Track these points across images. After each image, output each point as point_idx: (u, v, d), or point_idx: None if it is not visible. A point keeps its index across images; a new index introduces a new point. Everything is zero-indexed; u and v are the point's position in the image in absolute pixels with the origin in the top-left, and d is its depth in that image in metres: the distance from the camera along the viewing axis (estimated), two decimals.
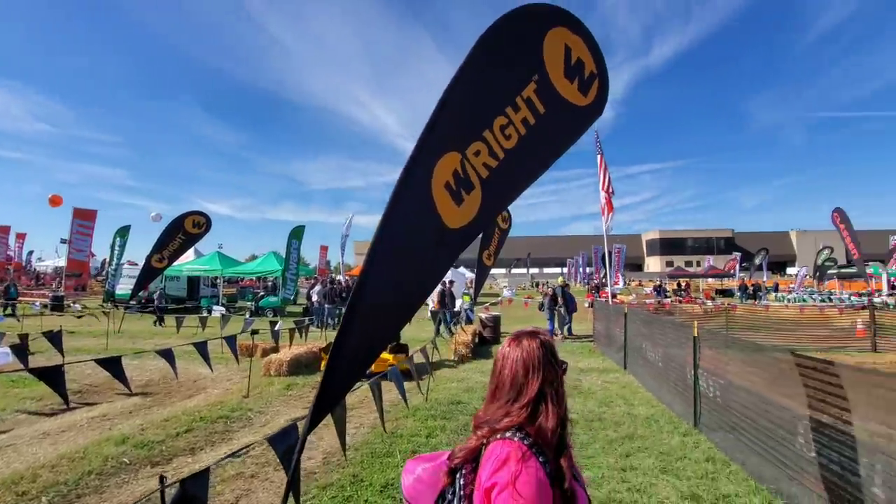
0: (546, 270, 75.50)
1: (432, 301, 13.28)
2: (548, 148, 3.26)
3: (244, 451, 4.28)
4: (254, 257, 29.82)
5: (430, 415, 5.64)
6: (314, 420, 2.05)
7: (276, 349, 8.99)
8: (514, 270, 63.80)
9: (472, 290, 13.85)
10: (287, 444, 2.22)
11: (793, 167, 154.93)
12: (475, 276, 13.44)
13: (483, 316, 12.03)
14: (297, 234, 18.27)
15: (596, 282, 32.53)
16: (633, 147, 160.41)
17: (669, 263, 71.57)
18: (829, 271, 28.62)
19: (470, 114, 2.73)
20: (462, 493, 1.21)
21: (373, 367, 3.01)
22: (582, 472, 3.90)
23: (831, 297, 23.79)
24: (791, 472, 3.54)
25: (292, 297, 18.92)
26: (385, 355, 7.35)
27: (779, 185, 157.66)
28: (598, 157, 12.27)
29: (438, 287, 13.93)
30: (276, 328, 8.62)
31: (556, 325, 12.81)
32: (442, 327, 12.54)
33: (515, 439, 1.14)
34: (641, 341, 7.58)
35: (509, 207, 12.32)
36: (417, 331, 13.09)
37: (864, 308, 13.40)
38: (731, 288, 31.20)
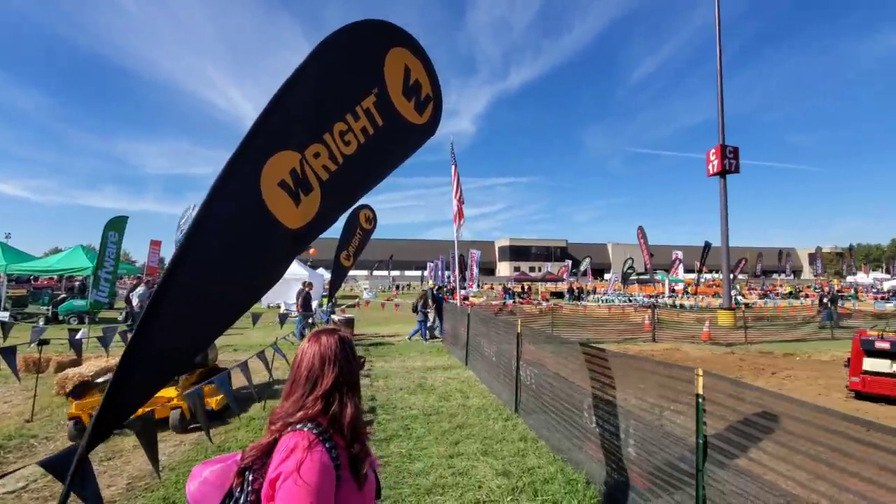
0: (408, 273, 77.13)
1: (296, 305, 12.60)
2: (384, 159, 3.44)
3: (11, 476, 3.53)
4: (56, 251, 24.33)
5: (265, 425, 5.38)
6: (94, 438, 1.83)
7: (76, 362, 7.53)
8: (376, 272, 63.73)
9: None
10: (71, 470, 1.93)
11: (613, 190, 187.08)
12: (331, 278, 13.15)
13: (335, 318, 11.83)
14: (116, 225, 15.46)
15: (452, 285, 34.38)
16: (492, 160, 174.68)
17: (517, 268, 79.39)
18: (631, 277, 35.15)
19: (310, 115, 2.75)
20: (251, 488, 1.23)
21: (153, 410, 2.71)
22: (415, 463, 4.09)
23: (631, 298, 29.21)
24: (579, 442, 4.31)
25: (107, 301, 15.96)
26: (168, 391, 5.60)
27: (602, 204, 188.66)
28: (453, 167, 13.12)
29: (298, 289, 13.26)
30: (78, 336, 7.23)
31: (428, 325, 13.27)
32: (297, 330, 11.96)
33: (305, 430, 1.20)
34: (480, 339, 8.34)
35: (374, 209, 12.44)
36: (265, 335, 12.26)
37: (649, 307, 16.76)
38: (563, 291, 36.02)
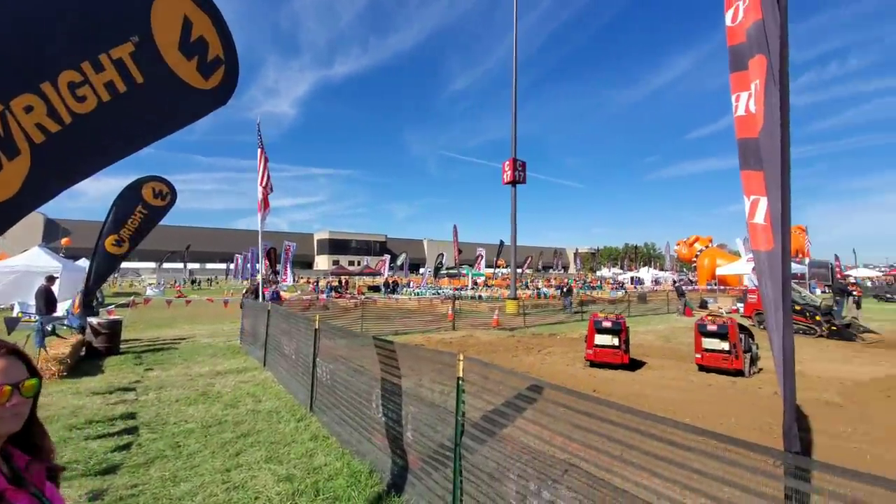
0: (209, 266, 68.00)
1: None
2: (143, 126, 2.87)
3: None
4: None
5: None
6: None
7: None
8: (166, 265, 54.23)
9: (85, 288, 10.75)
10: None
11: (430, 190, 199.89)
12: (91, 269, 10.59)
13: (94, 321, 9.59)
14: None
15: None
16: (313, 149, 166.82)
17: (336, 262, 77.90)
18: (441, 271, 38.22)
19: (21, 52, 2.10)
20: None
21: None
22: (180, 485, 3.47)
23: (439, 291, 31.74)
24: (367, 433, 4.41)
25: None
26: None
27: (421, 202, 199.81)
28: (259, 150, 11.98)
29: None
30: None
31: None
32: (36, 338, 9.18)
33: None
34: (281, 338, 7.84)
35: (172, 183, 10.41)
36: None
37: (451, 299, 18.43)
38: (379, 285, 36.84)
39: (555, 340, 12.62)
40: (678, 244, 47.23)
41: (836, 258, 39.44)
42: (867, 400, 6.65)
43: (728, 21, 2.42)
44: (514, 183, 21.28)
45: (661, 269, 63.10)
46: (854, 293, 16.75)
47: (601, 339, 8.74)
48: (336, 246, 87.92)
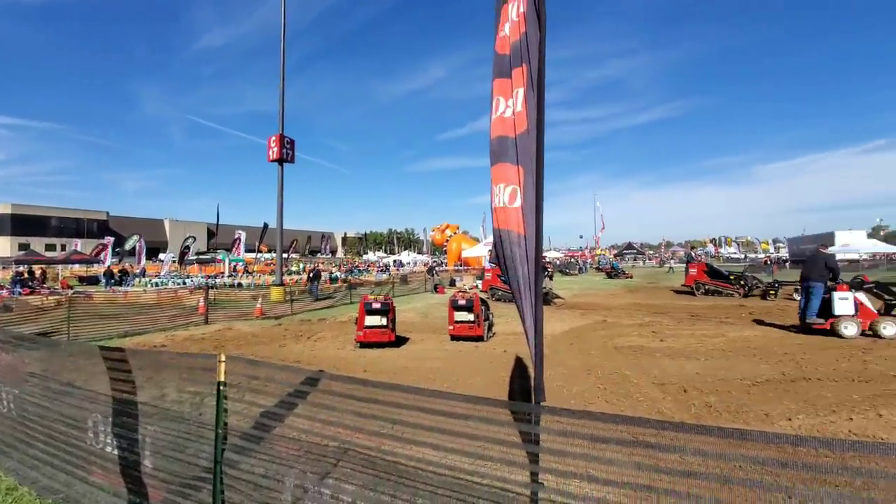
0: None
1: None
2: None
3: None
4: None
5: None
6: None
7: None
8: None
9: None
10: None
11: (174, 161, 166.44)
12: None
13: None
14: None
15: None
16: None
17: (25, 246, 57.46)
18: (188, 257, 32.78)
19: None
20: None
21: None
22: None
23: (186, 280, 27.19)
24: (81, 471, 3.37)
25: None
26: None
27: (160, 175, 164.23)
28: None
29: None
30: None
31: None
32: None
33: None
34: None
35: None
36: None
37: (202, 288, 16.05)
38: (99, 275, 28.97)
39: (324, 325, 12.48)
40: (433, 230, 53.47)
41: None
42: (560, 348, 8.96)
43: (498, 31, 2.76)
44: (281, 161, 19.85)
45: (420, 253, 70.37)
46: (548, 269, 22.34)
47: (371, 320, 9.08)
48: (25, 224, 64.72)
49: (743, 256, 65.32)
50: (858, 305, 9.28)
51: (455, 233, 49.03)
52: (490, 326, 10.35)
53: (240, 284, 26.75)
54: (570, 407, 4.80)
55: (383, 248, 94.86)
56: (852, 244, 39.51)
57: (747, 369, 6.93)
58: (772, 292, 17.31)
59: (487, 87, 2.93)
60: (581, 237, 74.02)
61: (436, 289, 22.98)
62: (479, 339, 9.62)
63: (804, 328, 9.82)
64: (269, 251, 49.34)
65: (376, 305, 9.17)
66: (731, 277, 19.30)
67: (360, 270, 39.46)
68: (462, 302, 9.65)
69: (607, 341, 9.61)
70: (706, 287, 19.25)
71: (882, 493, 1.33)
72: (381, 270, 42.20)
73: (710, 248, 79.03)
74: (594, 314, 14.04)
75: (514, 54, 2.62)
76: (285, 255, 45.51)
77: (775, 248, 73.08)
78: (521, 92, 2.58)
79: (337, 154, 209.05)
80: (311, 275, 21.76)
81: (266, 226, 38.18)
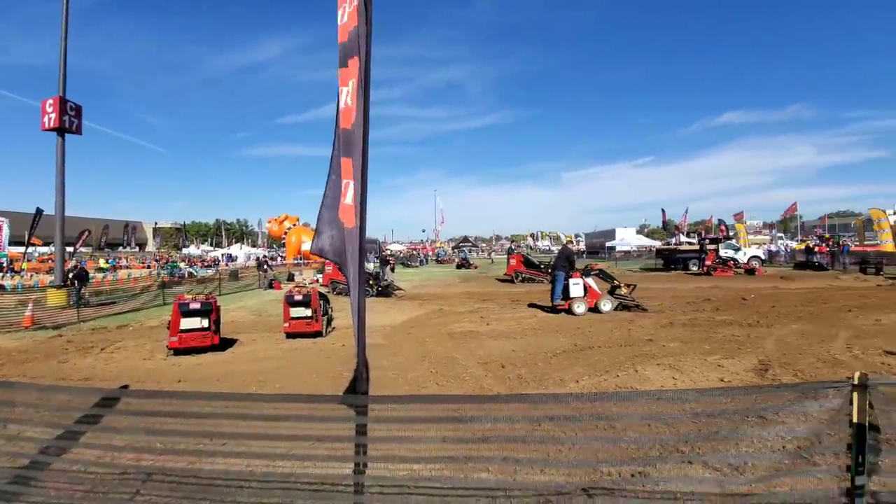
0: None
1: None
2: None
3: None
4: None
5: None
6: None
7: None
8: None
9: None
10: None
11: None
12: None
13: None
14: None
15: None
16: None
17: None
18: None
19: None
20: None
21: None
22: None
23: None
24: None
25: None
26: None
27: None
28: None
29: None
30: None
31: None
32: None
33: None
34: None
35: None
36: None
37: None
38: None
39: (126, 332, 10.53)
40: (269, 221, 49.48)
41: (383, 237, 52.41)
42: (398, 338, 9.27)
43: (339, 19, 2.68)
44: (61, 131, 15.88)
45: (255, 246, 64.34)
46: (391, 262, 22.84)
47: (188, 323, 8.00)
48: None
49: (553, 248, 76.91)
50: (587, 288, 11.62)
51: (295, 224, 46.25)
52: (329, 321, 10.12)
53: (1, 287, 20.67)
54: (403, 393, 5.03)
55: (209, 240, 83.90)
56: (626, 238, 49.92)
57: (550, 343, 8.24)
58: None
59: (333, 73, 2.85)
60: (423, 231, 77.31)
61: (271, 284, 21.37)
62: (318, 334, 9.33)
63: (554, 309, 11.80)
64: (47, 244, 39.22)
65: (195, 305, 8.12)
66: (542, 266, 22.52)
67: (172, 265, 34.17)
68: (298, 297, 9.21)
69: (441, 328, 10.30)
70: (523, 276, 22.06)
71: (635, 431, 1.77)
72: (208, 266, 37.36)
73: (530, 241, 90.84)
74: (432, 304, 14.87)
75: (350, 43, 2.61)
76: (72, 249, 36.63)
77: (577, 241, 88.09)
78: (354, 82, 2.59)
79: (150, 129, 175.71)
80: (73, 275, 15.66)
81: (40, 212, 30.19)
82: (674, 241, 35.81)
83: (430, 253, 59.76)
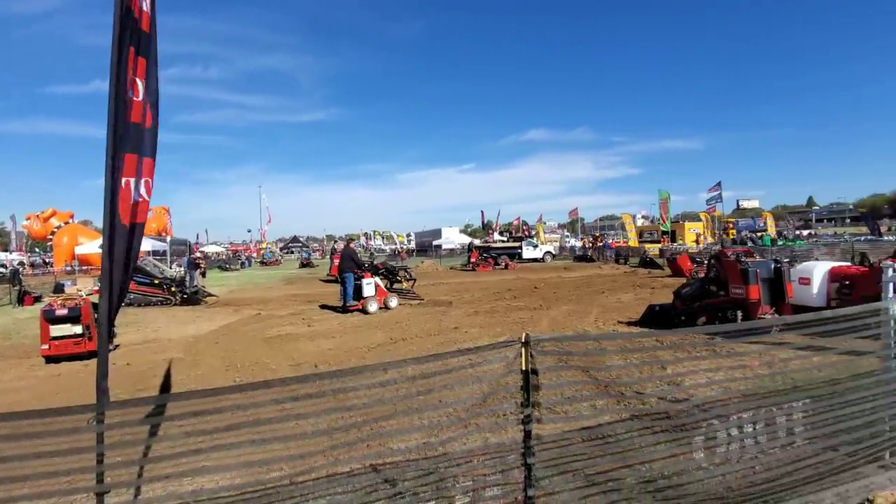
0: None
1: None
2: None
3: None
4: None
5: None
6: None
7: None
8: None
9: None
10: None
11: None
12: None
13: None
14: None
15: None
16: None
17: None
18: None
19: None
20: None
21: None
22: None
23: None
24: None
25: None
26: None
27: None
28: None
29: None
30: None
31: None
32: None
33: None
34: None
35: None
36: None
37: None
38: None
39: None
40: (28, 219, 38.66)
41: (197, 237, 46.08)
42: (202, 349, 8.42)
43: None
44: None
45: (6, 250, 49.31)
46: (202, 265, 20.33)
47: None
48: None
49: (386, 248, 78.67)
50: (377, 287, 12.23)
51: (66, 222, 37.16)
52: (111, 337, 8.58)
53: None
54: None
55: None
56: (451, 237, 54.22)
57: (368, 339, 8.58)
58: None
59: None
60: (249, 231, 70.22)
61: (22, 299, 16.56)
62: (93, 354, 7.83)
63: (344, 310, 11.73)
64: None
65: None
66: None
67: None
68: (62, 312, 7.58)
69: (257, 334, 9.73)
70: None
71: (366, 398, 2.07)
72: None
73: (363, 240, 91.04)
74: (249, 309, 13.83)
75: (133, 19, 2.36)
76: None
77: (408, 240, 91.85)
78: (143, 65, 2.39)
79: None
80: None
81: None
82: (489, 239, 40.40)
83: (255, 254, 54.93)
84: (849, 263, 8.81)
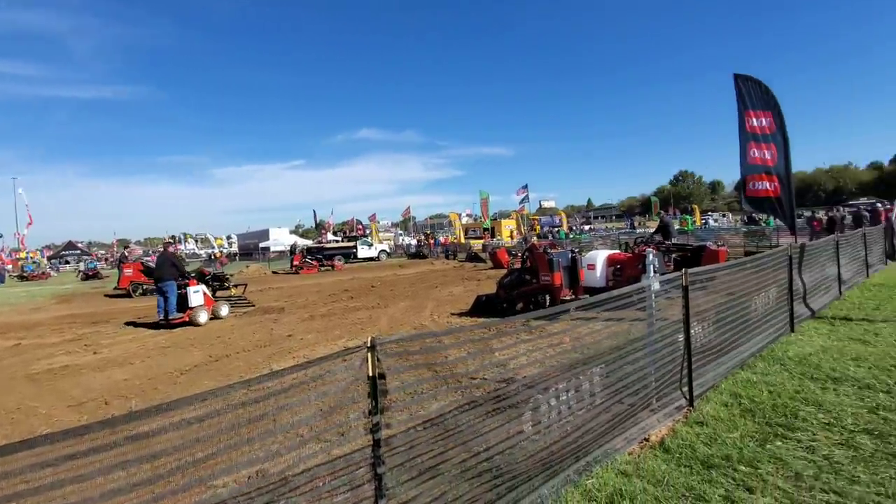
0: None
1: None
2: None
3: None
4: None
5: None
6: None
7: None
8: None
9: None
10: None
11: None
12: None
13: None
14: None
15: None
16: None
17: None
18: None
19: None
20: None
21: None
22: None
23: None
24: None
25: None
26: None
27: None
28: None
29: None
30: None
31: None
32: None
33: None
34: None
35: None
36: None
37: None
38: None
39: None
40: None
41: None
42: None
43: None
44: None
45: None
46: None
47: None
48: None
49: (202, 252, 68.86)
50: (204, 296, 10.89)
51: None
52: None
53: None
54: None
55: None
56: (280, 238, 50.45)
57: (180, 361, 7.31)
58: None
59: None
60: (1, 236, 52.42)
61: None
62: None
63: (168, 324, 10.07)
64: None
65: None
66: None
67: None
68: None
69: (17, 370, 7.43)
70: (144, 287, 18.22)
71: (174, 440, 1.70)
72: None
73: (175, 245, 77.99)
74: (1, 339, 10.47)
75: None
76: None
77: (228, 243, 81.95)
78: None
79: None
80: None
81: None
82: (322, 239, 38.82)
83: (10, 266, 41.97)
84: (619, 251, 11.08)
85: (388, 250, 36.81)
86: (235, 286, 12.91)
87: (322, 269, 27.27)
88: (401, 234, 55.77)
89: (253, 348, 7.85)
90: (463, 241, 36.50)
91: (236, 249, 58.96)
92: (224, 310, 11.32)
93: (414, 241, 42.47)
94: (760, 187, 8.76)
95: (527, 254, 9.86)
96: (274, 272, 28.04)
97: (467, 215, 52.67)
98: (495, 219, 44.33)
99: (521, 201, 36.91)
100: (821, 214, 27.11)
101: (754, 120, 8.67)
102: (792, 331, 6.05)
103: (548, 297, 8.79)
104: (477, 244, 32.13)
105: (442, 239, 40.63)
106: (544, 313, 3.59)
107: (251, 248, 50.74)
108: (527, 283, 9.27)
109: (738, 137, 8.99)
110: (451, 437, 2.64)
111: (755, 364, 4.91)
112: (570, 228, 49.02)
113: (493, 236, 37.45)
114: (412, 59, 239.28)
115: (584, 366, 3.57)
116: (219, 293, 12.50)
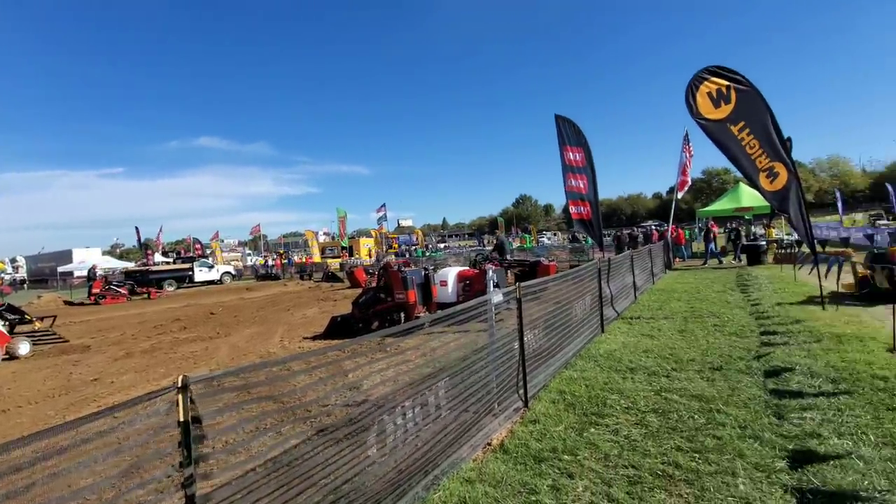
0: None
1: None
2: None
3: None
4: None
5: None
6: None
7: None
8: None
9: None
10: None
11: None
12: None
13: None
14: None
15: None
16: None
17: None
18: None
19: None
20: None
21: None
22: None
23: None
24: None
25: None
26: None
27: None
28: None
29: None
30: None
31: None
32: None
33: None
34: None
35: None
36: None
37: None
38: None
39: None
40: None
41: None
42: None
43: None
44: None
45: None
46: None
47: None
48: None
49: None
50: None
51: None
52: None
53: None
54: None
55: None
56: (90, 260, 41.66)
57: None
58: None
59: None
60: None
61: None
62: None
63: None
64: None
65: None
66: None
67: None
68: None
69: None
70: None
71: None
72: None
73: None
74: None
75: None
76: None
77: (14, 267, 64.63)
78: None
79: None
80: None
81: None
82: (148, 262, 33.16)
83: None
84: (468, 268, 11.87)
85: (234, 272, 33.28)
86: (40, 319, 10.39)
87: (135, 297, 23.25)
88: (249, 254, 51.05)
89: (43, 399, 6.26)
90: (320, 259, 35.02)
91: (24, 275, 46.84)
92: (24, 348, 9.15)
93: (261, 261, 39.17)
94: (577, 211, 10.36)
95: (382, 272, 9.90)
96: (67, 303, 22.94)
97: (324, 234, 50.81)
98: (353, 237, 43.67)
99: (380, 220, 37.12)
100: (623, 234, 33.15)
101: (571, 154, 10.26)
102: (603, 331, 7.18)
103: (402, 315, 8.91)
104: (334, 263, 31.16)
105: (296, 258, 38.36)
106: (397, 330, 3.62)
107: (46, 274, 40.90)
108: (382, 301, 9.28)
109: (560, 168, 10.53)
110: (295, 474, 2.45)
111: (576, 363, 5.68)
112: (426, 246, 50.95)
113: (351, 255, 36.76)
114: (266, 66, 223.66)
115: (432, 380, 3.68)
116: (18, 328, 9.98)
